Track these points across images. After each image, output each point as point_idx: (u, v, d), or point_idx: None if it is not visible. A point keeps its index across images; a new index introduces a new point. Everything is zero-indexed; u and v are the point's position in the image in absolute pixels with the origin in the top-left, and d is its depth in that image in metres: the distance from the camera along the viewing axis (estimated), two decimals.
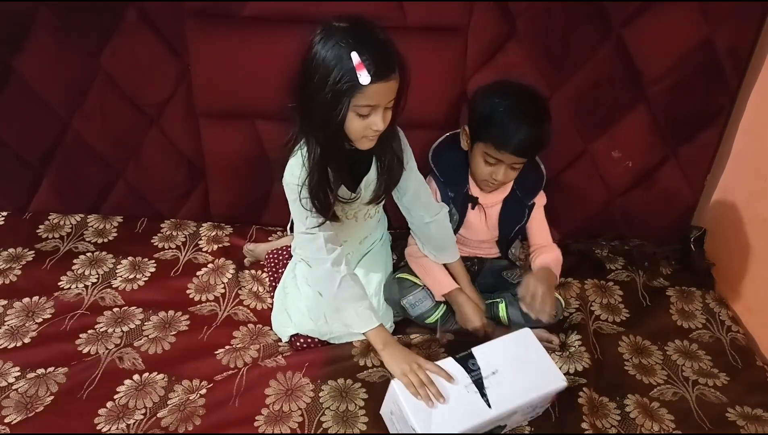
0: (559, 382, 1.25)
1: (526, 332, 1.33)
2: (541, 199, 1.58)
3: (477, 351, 1.27)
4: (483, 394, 1.20)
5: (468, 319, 1.47)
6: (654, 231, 1.87)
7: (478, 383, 1.22)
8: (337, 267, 1.33)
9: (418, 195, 1.45)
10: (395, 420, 1.24)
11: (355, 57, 1.10)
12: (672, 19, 1.56)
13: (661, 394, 1.42)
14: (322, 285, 1.36)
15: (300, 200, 1.29)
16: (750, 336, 1.61)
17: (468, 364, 1.24)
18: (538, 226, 1.58)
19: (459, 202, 1.52)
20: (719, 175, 1.80)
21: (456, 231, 1.55)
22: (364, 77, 1.10)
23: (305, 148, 1.25)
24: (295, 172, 1.28)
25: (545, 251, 1.55)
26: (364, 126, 1.19)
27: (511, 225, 1.56)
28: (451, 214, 1.52)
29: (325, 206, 1.30)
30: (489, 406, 1.19)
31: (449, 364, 1.24)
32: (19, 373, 1.39)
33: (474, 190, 1.53)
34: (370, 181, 1.37)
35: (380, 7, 1.55)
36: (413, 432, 1.16)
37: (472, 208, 1.53)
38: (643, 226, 1.87)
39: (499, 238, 1.59)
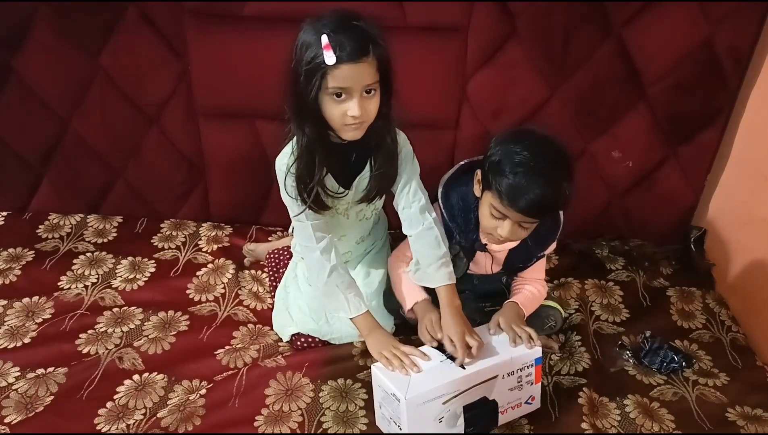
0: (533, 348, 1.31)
1: None
2: (550, 248, 1.46)
3: None
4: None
5: (422, 332, 1.36)
6: (654, 231, 1.87)
7: (452, 358, 1.27)
8: (327, 255, 1.36)
9: (409, 206, 1.41)
10: (384, 411, 1.26)
11: (324, 38, 1.12)
12: (672, 19, 1.56)
13: (661, 394, 1.42)
14: (313, 272, 1.39)
15: (285, 186, 1.31)
16: (750, 336, 1.61)
17: (442, 347, 1.30)
18: (533, 266, 1.47)
19: (467, 249, 1.43)
20: (719, 175, 1.80)
21: (464, 272, 1.49)
22: (329, 57, 1.12)
23: (295, 134, 1.28)
24: (283, 159, 1.31)
25: (527, 284, 1.47)
26: (341, 112, 1.19)
27: (516, 264, 1.47)
28: (459, 258, 1.44)
29: (308, 193, 1.30)
30: (462, 368, 1.25)
31: (425, 349, 1.31)
32: (19, 373, 1.39)
33: (484, 237, 1.39)
34: (362, 179, 1.37)
35: (380, 7, 1.55)
36: (397, 403, 1.19)
37: (480, 250, 1.44)
38: (643, 226, 1.87)
39: (503, 270, 1.52)
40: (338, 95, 1.17)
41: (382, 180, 1.36)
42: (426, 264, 1.39)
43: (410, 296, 1.43)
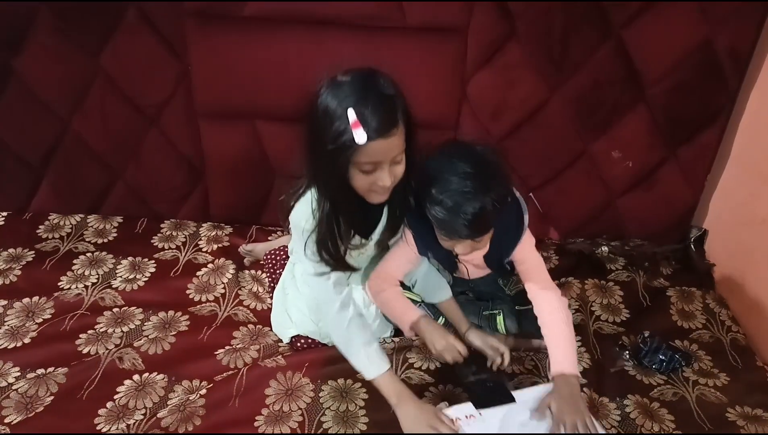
0: None
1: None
2: (526, 243, 1.37)
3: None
4: None
5: (438, 351, 1.37)
6: (654, 231, 1.87)
7: None
8: (345, 310, 1.30)
9: None
10: None
11: (351, 114, 1.05)
12: (672, 20, 1.56)
13: (661, 394, 1.42)
14: (330, 326, 1.34)
15: (305, 249, 1.25)
16: (750, 336, 1.61)
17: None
18: (528, 269, 1.39)
19: (444, 261, 1.43)
20: (719, 175, 1.80)
21: (451, 281, 1.50)
22: (359, 136, 1.05)
23: (315, 195, 1.21)
24: (302, 218, 1.24)
25: (549, 313, 1.36)
26: (370, 182, 1.14)
27: (498, 263, 1.44)
28: (442, 271, 1.46)
29: (333, 258, 1.25)
30: None
31: (467, 408, 1.24)
32: (19, 374, 1.39)
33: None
34: (381, 228, 1.34)
35: (380, 7, 1.55)
36: None
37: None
38: (643, 226, 1.87)
39: (493, 271, 1.50)
40: (367, 168, 1.12)
41: (399, 225, 1.35)
42: (429, 284, 1.45)
43: (407, 314, 1.41)
